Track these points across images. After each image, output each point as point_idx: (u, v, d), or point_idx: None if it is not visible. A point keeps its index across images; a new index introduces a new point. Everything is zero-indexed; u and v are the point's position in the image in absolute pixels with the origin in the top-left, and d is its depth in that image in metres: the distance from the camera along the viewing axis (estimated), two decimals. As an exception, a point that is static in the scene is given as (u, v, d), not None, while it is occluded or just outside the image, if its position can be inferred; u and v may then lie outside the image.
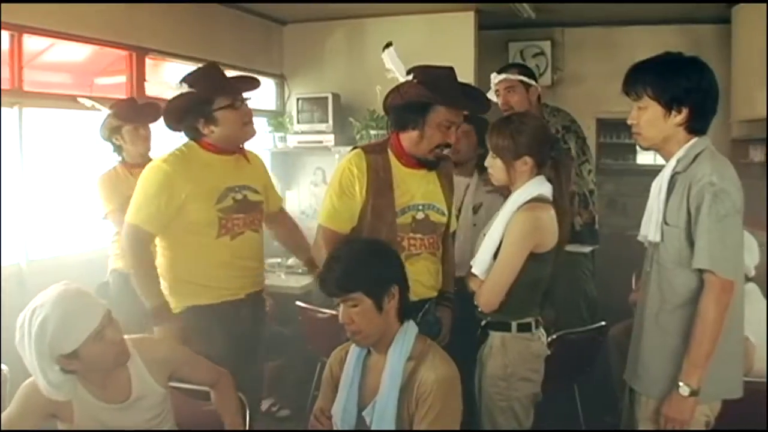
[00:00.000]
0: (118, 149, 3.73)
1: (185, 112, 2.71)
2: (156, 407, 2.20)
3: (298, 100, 5.86)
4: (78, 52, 4.41)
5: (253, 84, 2.90)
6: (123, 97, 4.26)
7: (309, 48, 6.14)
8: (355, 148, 2.78)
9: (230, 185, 2.77)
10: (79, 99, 3.81)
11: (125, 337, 2.13)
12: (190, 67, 5.01)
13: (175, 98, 2.70)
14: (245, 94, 2.82)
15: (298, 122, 5.86)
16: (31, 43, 3.86)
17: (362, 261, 2.19)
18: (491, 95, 3.82)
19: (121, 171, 3.73)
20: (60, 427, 2.10)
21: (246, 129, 2.81)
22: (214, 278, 2.76)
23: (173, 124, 2.78)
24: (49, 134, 4.11)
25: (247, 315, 2.86)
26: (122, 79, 4.55)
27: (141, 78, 4.57)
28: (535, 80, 3.85)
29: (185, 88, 2.66)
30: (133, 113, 3.70)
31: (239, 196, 2.79)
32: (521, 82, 3.76)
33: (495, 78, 3.83)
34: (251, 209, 2.85)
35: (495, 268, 2.43)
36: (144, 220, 2.66)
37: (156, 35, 4.59)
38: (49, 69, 4.28)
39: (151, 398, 2.19)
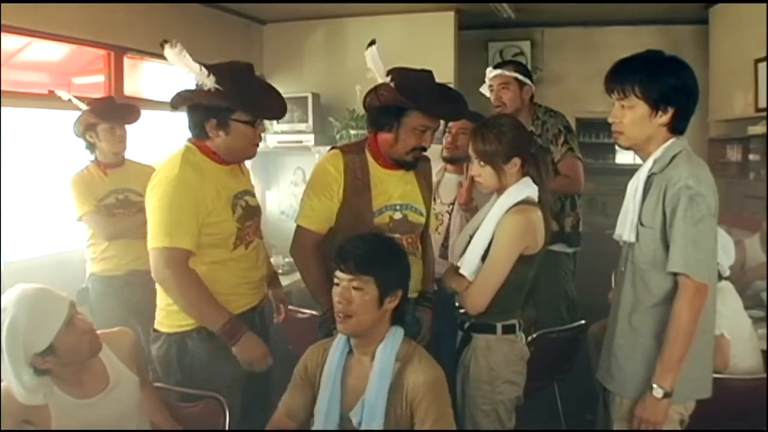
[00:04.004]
0: (91, 147, 3.65)
1: (200, 107, 2.45)
2: (131, 396, 2.19)
3: (278, 99, 5.81)
4: (55, 50, 4.37)
5: (284, 110, 2.63)
6: (101, 96, 4.21)
7: (288, 47, 6.12)
8: (333, 148, 2.77)
9: (235, 192, 2.56)
10: (57, 92, 3.74)
11: None
12: (169, 67, 5.06)
13: (197, 91, 2.43)
14: None
15: (278, 122, 5.82)
16: (8, 41, 3.81)
17: (388, 253, 2.24)
18: (485, 90, 3.85)
19: (95, 171, 3.66)
20: None
21: (253, 149, 2.58)
22: (233, 292, 2.55)
23: (180, 109, 2.51)
24: (26, 134, 4.06)
25: (259, 323, 2.72)
26: (100, 78, 4.52)
27: (119, 77, 4.54)
28: (531, 79, 3.85)
29: (212, 81, 2.38)
30: (110, 112, 3.64)
31: (244, 203, 2.59)
32: (516, 79, 3.77)
33: (490, 73, 3.84)
34: (256, 214, 2.68)
35: (485, 270, 2.39)
36: (182, 239, 2.37)
37: (134, 34, 4.55)
38: (26, 68, 4.24)
39: (126, 384, 2.19)
